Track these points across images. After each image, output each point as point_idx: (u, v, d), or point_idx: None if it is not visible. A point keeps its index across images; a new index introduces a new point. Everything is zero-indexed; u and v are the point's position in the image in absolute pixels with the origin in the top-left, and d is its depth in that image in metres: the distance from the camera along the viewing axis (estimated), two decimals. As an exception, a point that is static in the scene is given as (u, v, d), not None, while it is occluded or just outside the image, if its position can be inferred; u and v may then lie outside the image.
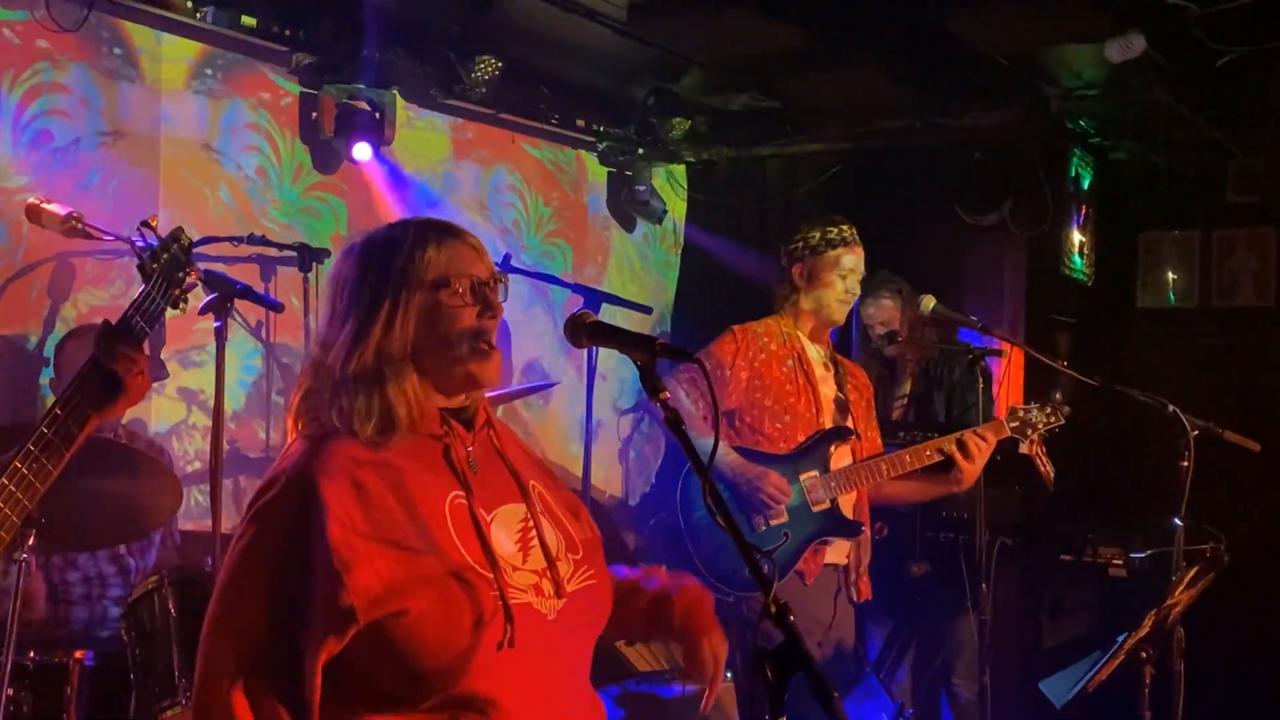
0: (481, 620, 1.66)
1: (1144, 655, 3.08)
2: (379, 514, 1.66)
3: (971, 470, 3.52)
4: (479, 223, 5.26)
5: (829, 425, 3.56)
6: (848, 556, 3.56)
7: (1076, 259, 5.88)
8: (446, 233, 1.81)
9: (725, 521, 1.74)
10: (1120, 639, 3.02)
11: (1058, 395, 3.65)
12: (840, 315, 3.61)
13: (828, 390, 3.60)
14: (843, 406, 3.60)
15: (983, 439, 3.54)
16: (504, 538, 1.77)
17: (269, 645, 1.63)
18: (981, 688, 3.76)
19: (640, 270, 6.32)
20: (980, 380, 3.71)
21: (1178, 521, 3.41)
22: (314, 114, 4.58)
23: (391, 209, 4.83)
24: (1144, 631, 3.04)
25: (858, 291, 3.61)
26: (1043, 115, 5.23)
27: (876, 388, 4.55)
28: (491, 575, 1.70)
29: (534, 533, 1.82)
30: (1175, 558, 3.40)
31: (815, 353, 3.62)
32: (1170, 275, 6.12)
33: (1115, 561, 4.25)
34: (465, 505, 1.75)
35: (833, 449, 3.52)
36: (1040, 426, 3.63)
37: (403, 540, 1.66)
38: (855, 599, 3.61)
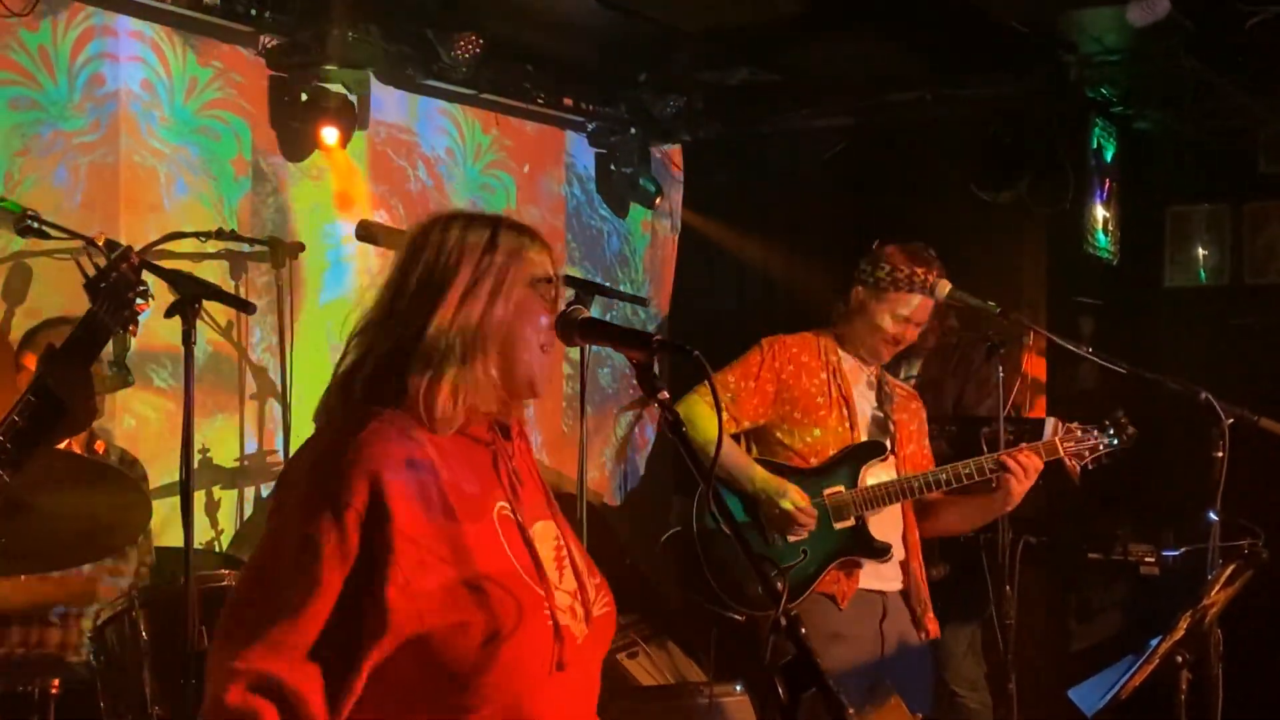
0: (533, 639, 1.70)
1: (1179, 659, 3.08)
2: (440, 516, 1.69)
3: (1020, 489, 3.40)
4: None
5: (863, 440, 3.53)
6: (902, 584, 3.52)
7: (1100, 237, 5.88)
8: (539, 236, 1.87)
9: (730, 528, 1.75)
10: (1153, 642, 3.03)
11: (1121, 414, 3.56)
12: (881, 354, 3.56)
13: (865, 406, 3.57)
14: (881, 424, 3.57)
15: (1030, 457, 3.41)
16: (546, 555, 1.81)
17: (309, 630, 1.62)
18: (1007, 695, 3.76)
19: (630, 256, 6.32)
20: (999, 369, 3.70)
21: (1213, 516, 3.41)
22: (285, 98, 4.58)
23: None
24: (1179, 634, 3.04)
25: (906, 340, 3.54)
26: (1062, 84, 5.23)
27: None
28: (543, 593, 1.74)
29: (565, 552, 1.85)
30: (1210, 555, 3.41)
31: (854, 368, 3.59)
32: (1200, 252, 6.13)
33: (1147, 559, 4.26)
34: (512, 518, 1.79)
35: (866, 466, 3.49)
36: (1102, 450, 3.55)
37: (461, 548, 1.68)
38: (923, 638, 3.55)
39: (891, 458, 3.52)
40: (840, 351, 3.58)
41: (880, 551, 3.47)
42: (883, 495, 3.46)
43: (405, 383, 1.73)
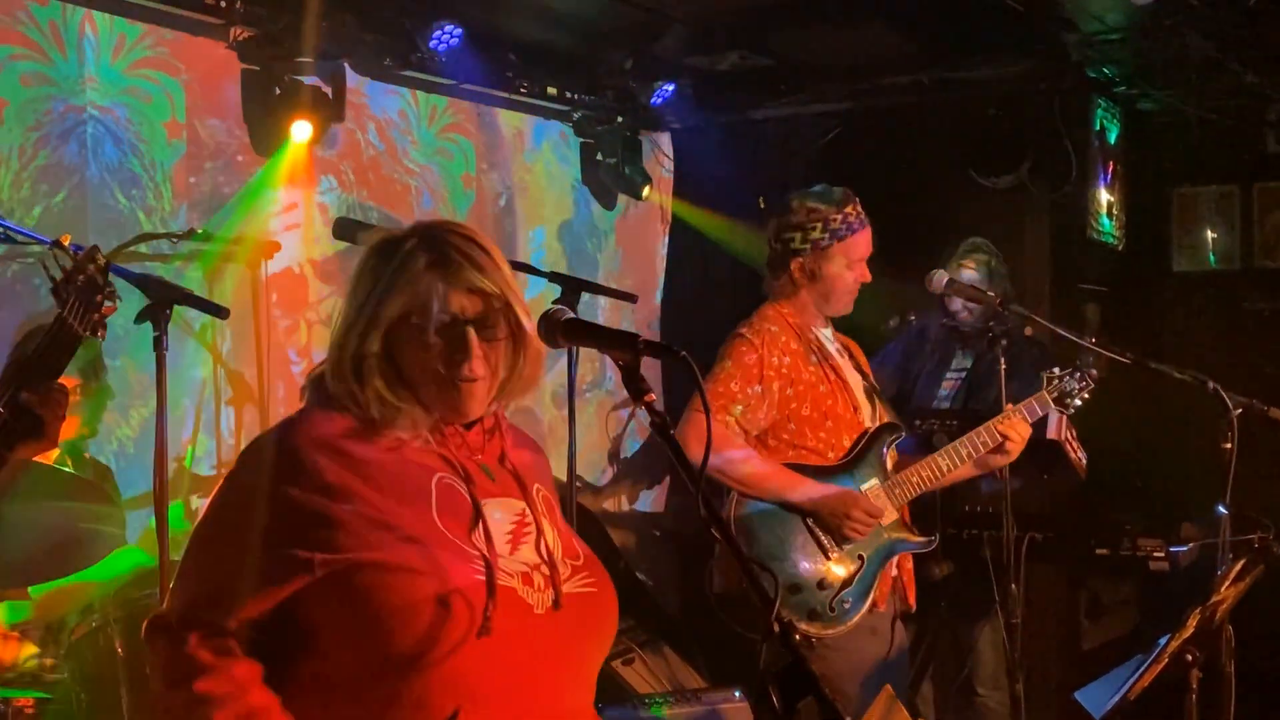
0: (458, 593, 1.69)
1: (1189, 658, 3.09)
2: (357, 482, 1.75)
3: (1017, 446, 3.51)
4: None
5: (870, 423, 3.49)
6: (897, 566, 3.52)
7: (1104, 221, 5.89)
8: (446, 251, 1.82)
9: (721, 533, 1.76)
10: (1162, 641, 3.04)
11: (1089, 357, 3.66)
12: (849, 306, 3.49)
13: (854, 380, 3.52)
14: (868, 392, 3.55)
15: (1021, 415, 3.52)
16: (495, 524, 1.81)
17: (231, 589, 1.73)
18: (1014, 697, 3.78)
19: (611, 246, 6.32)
20: (1002, 362, 3.71)
21: (1222, 509, 3.42)
22: (258, 91, 4.56)
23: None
24: (1188, 631, 3.05)
25: (869, 277, 3.48)
26: (1062, 64, 5.24)
27: (932, 351, 4.55)
28: (478, 551, 1.74)
29: (531, 528, 1.85)
30: (1221, 549, 3.42)
31: (826, 337, 3.52)
32: (1208, 235, 6.14)
33: (1156, 554, 4.27)
34: (455, 486, 1.81)
35: (887, 450, 3.46)
36: (1077, 394, 3.63)
37: (377, 506, 1.74)
38: (911, 608, 3.57)
39: (902, 432, 3.52)
40: (809, 324, 3.47)
41: (926, 542, 3.48)
42: (918, 483, 3.45)
43: (338, 389, 1.82)
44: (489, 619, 1.70)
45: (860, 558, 3.36)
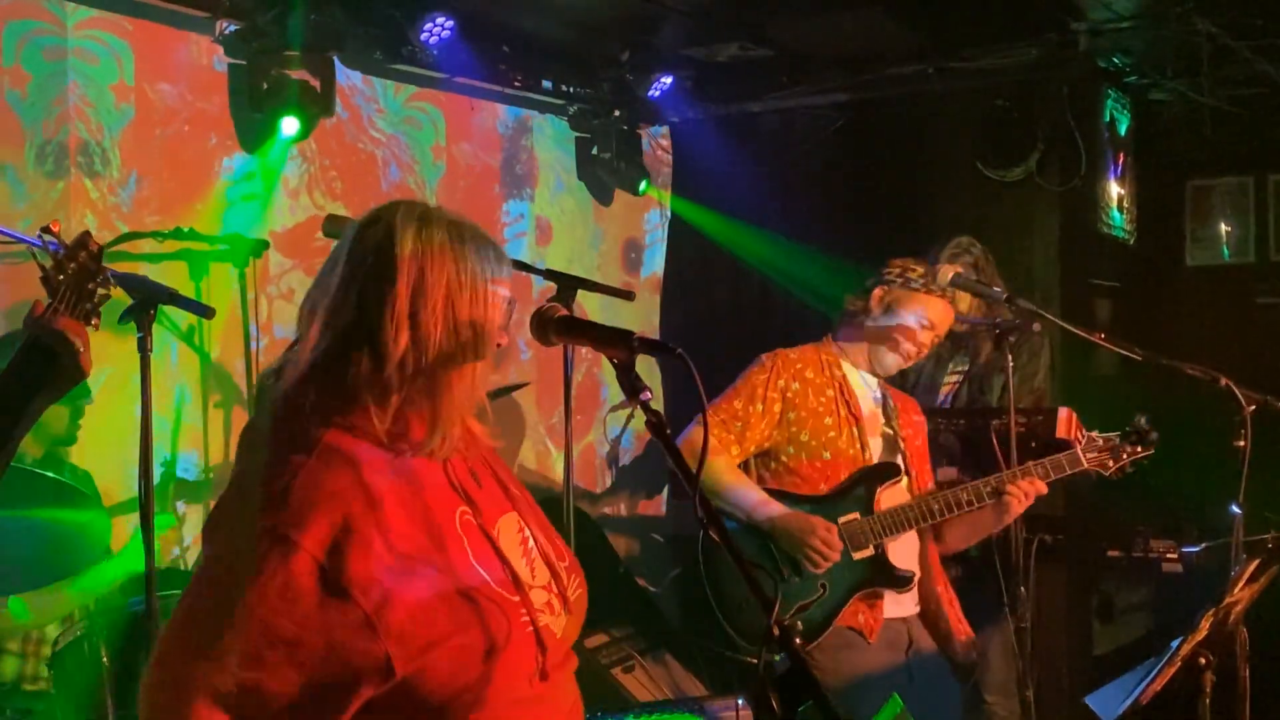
0: (511, 648, 1.72)
1: (1203, 661, 3.09)
2: (402, 540, 1.68)
3: (1020, 509, 3.47)
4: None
5: (874, 462, 3.50)
6: (918, 606, 3.52)
7: (1115, 214, 5.89)
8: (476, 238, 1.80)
9: (721, 538, 1.77)
10: (1175, 644, 3.04)
11: (1143, 419, 3.60)
12: (899, 367, 3.54)
13: (875, 423, 3.54)
14: (891, 442, 3.56)
15: (1034, 483, 3.46)
16: (513, 554, 1.82)
17: (260, 685, 1.60)
18: (1024, 703, 3.79)
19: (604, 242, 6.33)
20: (1009, 359, 3.71)
21: (1235, 509, 3.43)
22: (245, 86, 4.58)
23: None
24: (1201, 634, 3.05)
25: (926, 352, 3.54)
26: (1071, 53, 5.25)
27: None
28: (518, 598, 1.76)
29: (532, 542, 1.87)
30: (1234, 549, 3.43)
31: (861, 383, 3.56)
32: (1223, 228, 6.14)
33: (1169, 555, 4.28)
34: (474, 523, 1.80)
35: (880, 489, 3.46)
36: (1126, 459, 3.59)
37: (428, 566, 1.69)
38: (959, 653, 3.55)
39: (905, 478, 3.51)
40: (845, 364, 3.55)
41: (903, 580, 3.45)
42: (901, 521, 3.43)
43: (368, 406, 1.72)
44: (544, 669, 1.76)
45: (822, 587, 3.38)
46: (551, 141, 5.99)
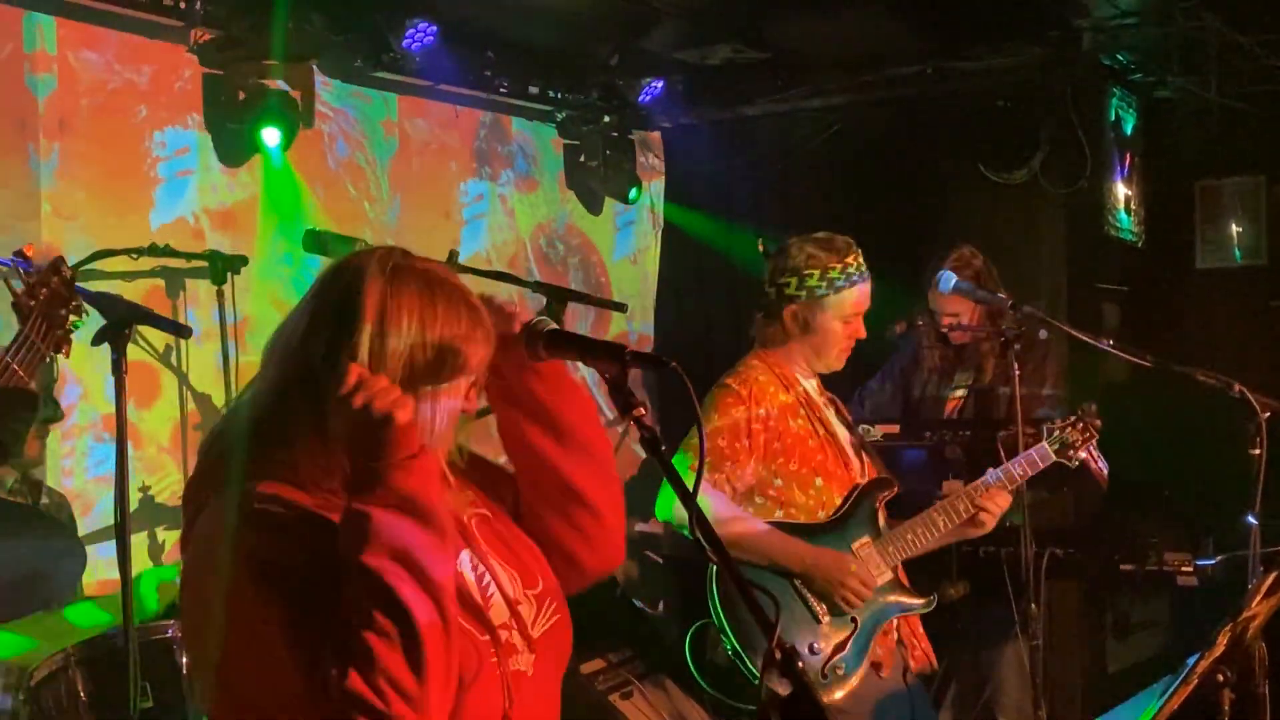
0: (478, 687, 1.70)
1: (1220, 678, 3.08)
2: None
3: (991, 519, 3.47)
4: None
5: (860, 478, 3.46)
6: (897, 629, 3.48)
7: (1123, 216, 5.91)
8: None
9: (718, 557, 1.76)
10: (1191, 660, 3.04)
11: (1091, 405, 3.61)
12: (841, 362, 3.46)
13: (842, 433, 3.51)
14: (856, 447, 3.53)
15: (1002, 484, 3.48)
16: (482, 590, 1.79)
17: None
18: (1037, 724, 3.78)
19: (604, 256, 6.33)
20: (1015, 369, 3.71)
21: (1251, 520, 3.43)
22: (222, 97, 4.58)
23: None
24: (1218, 650, 3.04)
25: (864, 333, 3.45)
26: (1074, 51, 5.27)
27: (929, 375, 4.55)
28: (487, 638, 1.74)
29: (488, 578, 1.83)
30: (1251, 562, 3.42)
31: (814, 391, 3.49)
32: (1234, 229, 6.16)
33: (1184, 569, 4.27)
34: None
35: (878, 506, 3.44)
36: (1079, 444, 3.59)
37: None
38: (912, 669, 3.47)
39: (895, 488, 3.49)
40: (798, 375, 3.44)
41: (925, 604, 3.43)
42: (917, 539, 3.40)
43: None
44: (508, 716, 1.74)
45: (854, 621, 3.33)
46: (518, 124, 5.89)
